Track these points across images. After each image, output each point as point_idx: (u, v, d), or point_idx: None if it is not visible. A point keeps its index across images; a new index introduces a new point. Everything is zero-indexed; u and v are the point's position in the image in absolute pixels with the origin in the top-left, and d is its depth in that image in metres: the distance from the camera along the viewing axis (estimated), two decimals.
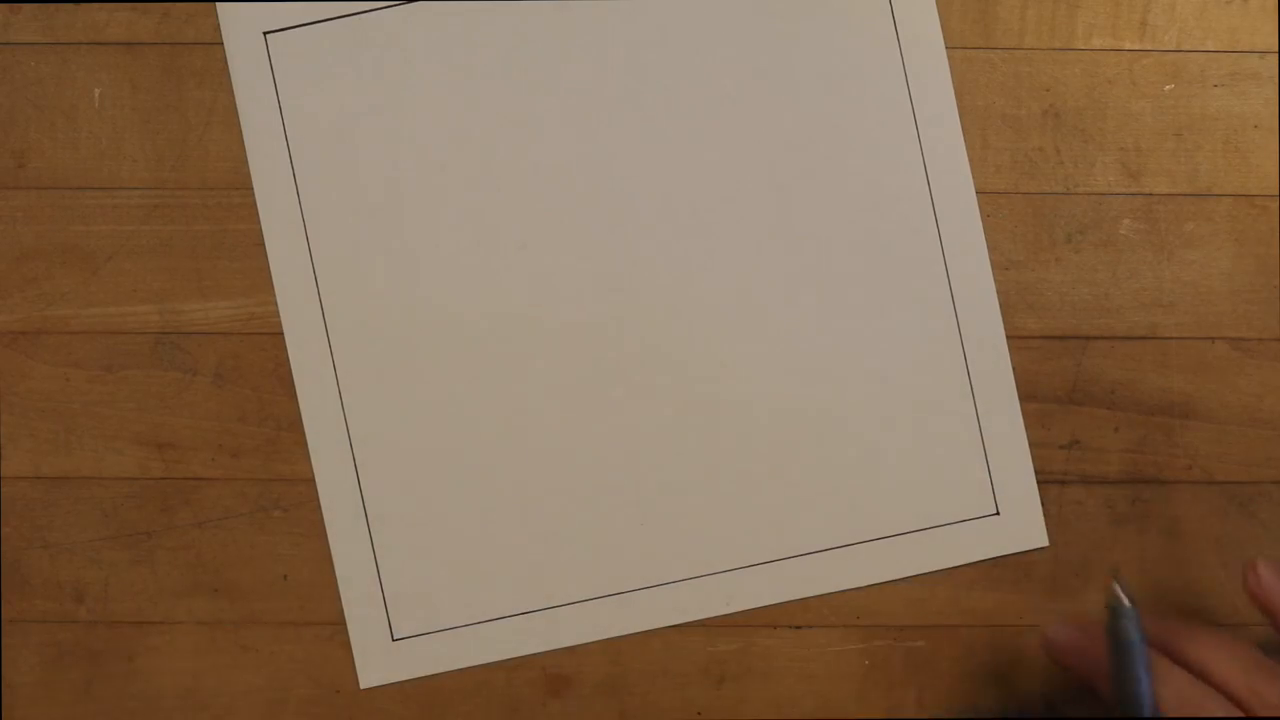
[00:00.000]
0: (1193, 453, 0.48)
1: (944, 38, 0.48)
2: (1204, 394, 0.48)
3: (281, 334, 0.47)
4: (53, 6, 0.47)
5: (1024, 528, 0.47)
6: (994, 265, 0.48)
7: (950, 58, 0.48)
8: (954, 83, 0.48)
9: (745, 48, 0.47)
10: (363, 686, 0.47)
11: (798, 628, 0.48)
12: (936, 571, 0.47)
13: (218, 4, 0.47)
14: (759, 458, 0.47)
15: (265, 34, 0.47)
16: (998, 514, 0.47)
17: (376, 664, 0.47)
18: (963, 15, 0.48)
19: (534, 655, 0.47)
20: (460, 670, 0.47)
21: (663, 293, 0.48)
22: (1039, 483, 0.48)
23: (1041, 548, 0.48)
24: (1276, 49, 0.48)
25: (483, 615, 0.47)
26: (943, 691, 0.48)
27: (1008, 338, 0.48)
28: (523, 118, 0.47)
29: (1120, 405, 0.48)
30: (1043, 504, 0.48)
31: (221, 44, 0.47)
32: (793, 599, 0.47)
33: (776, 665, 0.48)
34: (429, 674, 0.47)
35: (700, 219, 0.48)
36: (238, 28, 0.47)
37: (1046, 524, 0.48)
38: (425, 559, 0.47)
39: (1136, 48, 0.48)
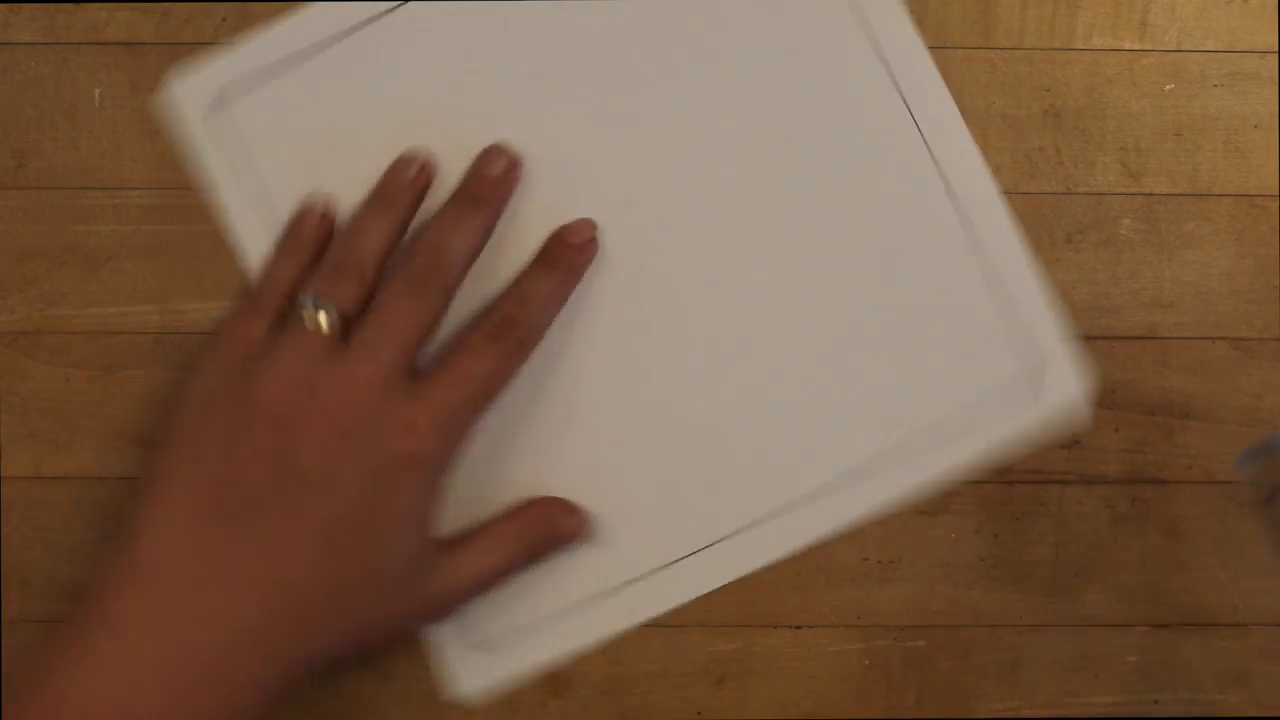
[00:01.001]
0: (1193, 453, 0.48)
1: (944, 38, 0.48)
2: (1204, 394, 0.48)
3: None
4: (53, 6, 0.47)
5: (1059, 382, 0.47)
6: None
7: (950, 58, 0.48)
8: (954, 83, 0.48)
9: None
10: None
11: (797, 628, 0.48)
12: (982, 458, 0.47)
13: (172, 84, 0.47)
14: (783, 390, 0.47)
15: (208, 111, 0.47)
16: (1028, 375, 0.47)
17: None
18: (963, 15, 0.48)
19: None
20: None
21: (667, 292, 0.47)
22: (1039, 483, 0.48)
23: (1078, 402, 0.47)
24: (1276, 49, 0.48)
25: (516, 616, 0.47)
26: (943, 691, 0.48)
27: None
28: (522, 123, 0.47)
29: (1120, 405, 0.48)
30: (1043, 504, 0.48)
31: (222, 44, 0.47)
32: (855, 517, 0.47)
33: (776, 665, 0.48)
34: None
35: (711, 216, 0.47)
36: (188, 111, 0.47)
37: (1046, 524, 0.48)
38: None
39: (1136, 48, 0.48)
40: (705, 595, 0.47)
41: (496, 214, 0.45)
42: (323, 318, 0.42)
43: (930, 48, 0.47)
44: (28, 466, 0.48)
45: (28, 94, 0.48)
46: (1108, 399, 0.48)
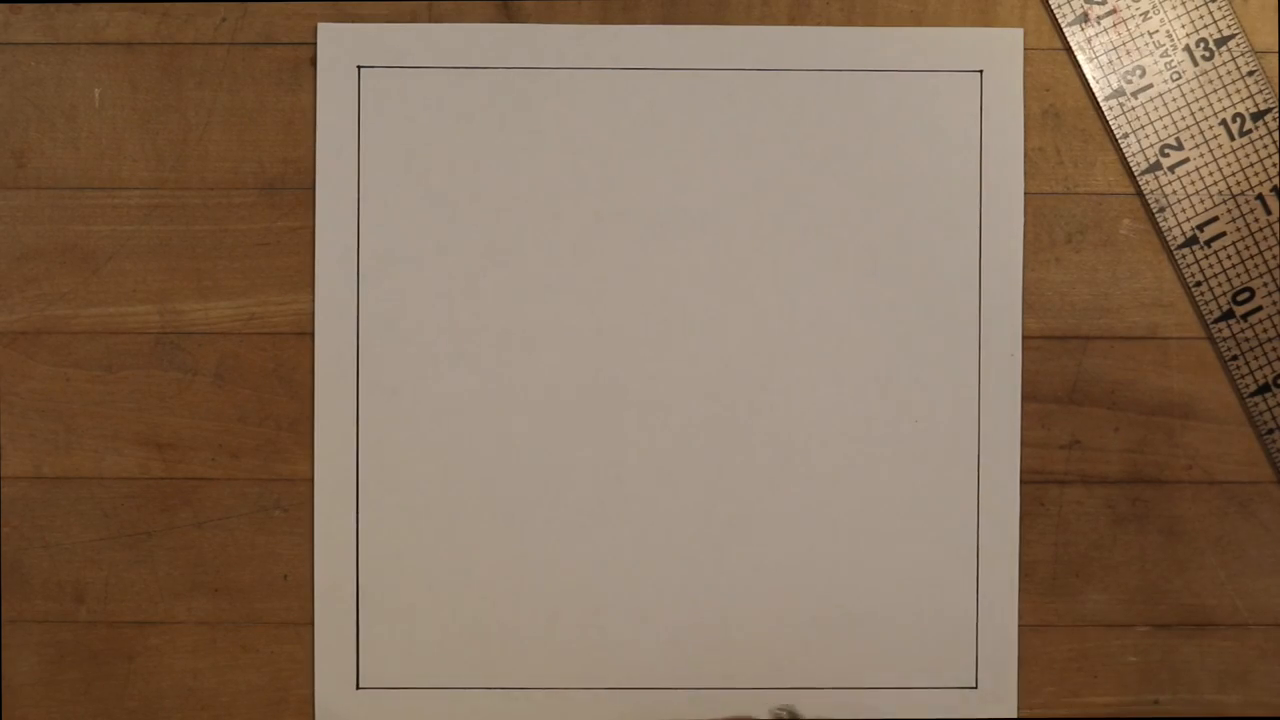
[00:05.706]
0: (1193, 453, 0.48)
1: None
2: (1204, 394, 0.48)
3: (282, 334, 0.48)
4: (53, 6, 0.47)
5: (998, 702, 0.48)
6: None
7: None
8: None
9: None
10: None
11: None
12: None
13: (320, 24, 0.47)
14: (765, 587, 0.47)
15: (359, 68, 0.47)
16: (975, 688, 0.48)
17: (337, 712, 0.47)
18: (962, 14, 0.48)
19: None
20: None
21: (714, 416, 0.48)
22: (1039, 483, 0.48)
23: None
24: (1277, 49, 0.48)
25: (452, 682, 0.47)
26: None
27: None
28: (589, 179, 0.47)
29: (1120, 405, 0.48)
30: (1043, 504, 0.48)
31: (221, 44, 0.47)
32: None
33: None
34: None
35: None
36: (334, 53, 0.47)
37: (1046, 524, 0.48)
38: (406, 617, 0.47)
39: None
40: None
41: None
42: None
43: None
44: (28, 466, 0.48)
45: (28, 94, 0.48)
46: (1108, 399, 0.48)
